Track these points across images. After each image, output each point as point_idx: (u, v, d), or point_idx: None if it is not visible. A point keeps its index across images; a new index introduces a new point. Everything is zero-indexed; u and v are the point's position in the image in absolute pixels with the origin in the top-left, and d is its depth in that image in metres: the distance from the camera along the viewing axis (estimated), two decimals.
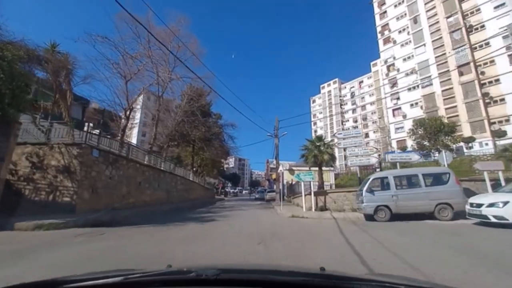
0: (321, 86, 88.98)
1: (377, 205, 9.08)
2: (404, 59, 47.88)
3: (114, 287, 1.15)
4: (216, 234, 7.32)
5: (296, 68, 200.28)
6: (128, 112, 17.15)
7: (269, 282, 1.16)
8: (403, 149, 40.71)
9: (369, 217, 9.44)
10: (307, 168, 36.45)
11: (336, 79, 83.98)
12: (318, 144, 23.73)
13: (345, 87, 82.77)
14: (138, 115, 44.71)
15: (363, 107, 76.12)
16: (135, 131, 68.26)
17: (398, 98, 46.85)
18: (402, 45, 48.93)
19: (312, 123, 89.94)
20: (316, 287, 1.14)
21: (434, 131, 21.87)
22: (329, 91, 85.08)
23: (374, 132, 71.76)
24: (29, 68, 10.93)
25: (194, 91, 24.74)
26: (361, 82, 78.05)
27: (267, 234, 7.10)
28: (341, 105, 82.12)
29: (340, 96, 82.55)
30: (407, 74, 46.35)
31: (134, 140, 66.29)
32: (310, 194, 13.86)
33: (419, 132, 22.67)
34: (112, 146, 13.02)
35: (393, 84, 48.03)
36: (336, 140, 22.29)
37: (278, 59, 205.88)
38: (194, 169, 31.42)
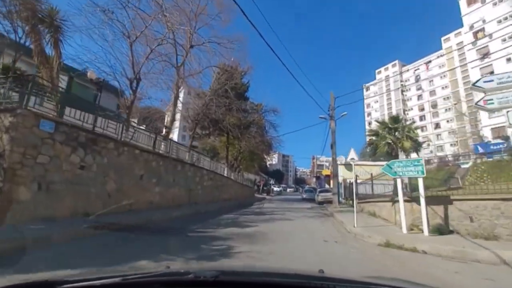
0: (377, 71, 77.69)
1: None
2: (499, 21, 36.44)
3: (112, 287, 1.13)
4: None
5: (347, 52, 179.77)
6: (134, 84, 12.98)
7: (267, 284, 1.17)
8: (505, 138, 30.21)
9: None
10: (368, 163, 29.07)
11: (396, 61, 72.10)
12: (393, 126, 16.94)
13: (407, 70, 70.41)
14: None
15: (432, 92, 63.40)
16: (176, 126, 68.05)
17: (492, 73, 35.71)
18: (494, 4, 37.44)
19: (366, 113, 79.33)
20: None
21: None
22: (387, 76, 73.47)
23: (448, 121, 58.97)
24: None
25: (226, 68, 20.00)
26: (429, 62, 65.15)
27: None
28: (402, 91, 70.10)
29: (401, 81, 70.51)
30: (504, 40, 35.07)
31: (175, 137, 65.71)
32: (410, 200, 7.72)
33: None
34: (85, 119, 8.66)
35: (484, 55, 36.93)
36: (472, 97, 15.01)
37: (326, 42, 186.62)
38: (231, 162, 26.88)
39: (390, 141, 16.11)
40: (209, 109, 20.74)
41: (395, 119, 17.03)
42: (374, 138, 17.84)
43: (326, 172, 34.09)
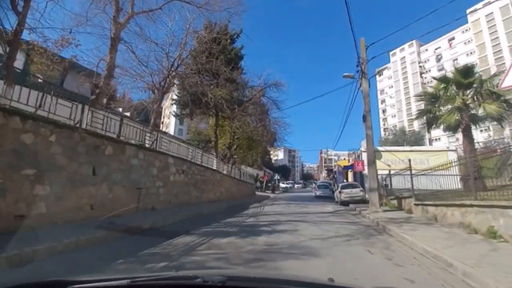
0: (391, 52, 70.23)
1: None
2: None
3: None
4: None
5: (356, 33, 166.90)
6: (21, 1, 7.15)
7: None
8: None
9: None
10: (403, 148, 23.09)
11: (413, 41, 64.63)
12: (465, 82, 10.78)
13: (426, 50, 63.17)
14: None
15: None
16: (171, 121, 62.32)
17: None
18: None
19: (379, 101, 72.35)
20: None
21: None
22: (403, 58, 66.19)
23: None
24: None
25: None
26: (452, 39, 57.87)
27: None
28: (421, 74, 62.93)
29: (419, 62, 63.31)
30: None
31: (171, 130, 60.11)
32: None
33: None
34: None
35: None
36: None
37: (332, 23, 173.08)
38: (223, 152, 20.98)
39: (464, 104, 9.90)
40: (184, 77, 14.96)
41: (466, 72, 10.77)
42: (429, 102, 11.65)
43: (343, 163, 27.90)
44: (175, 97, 21.80)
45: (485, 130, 48.54)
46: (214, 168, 16.03)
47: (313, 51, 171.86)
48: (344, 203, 15.16)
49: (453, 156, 20.20)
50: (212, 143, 22.71)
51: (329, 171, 45.97)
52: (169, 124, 64.22)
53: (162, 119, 72.29)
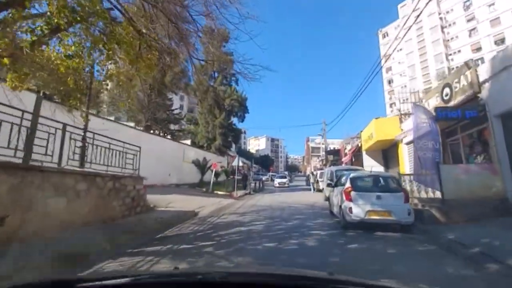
0: (400, 5, 54.91)
1: None
2: None
3: (123, 287, 1.16)
4: None
5: None
6: None
7: (276, 286, 1.15)
8: None
9: None
10: None
11: None
12: None
13: None
14: None
15: (495, 21, 41.48)
16: None
17: None
18: None
19: (384, 69, 57.14)
20: None
21: None
22: (416, 10, 51.09)
23: None
24: None
25: None
26: None
27: None
28: (442, 28, 48.04)
29: (439, 14, 48.38)
30: None
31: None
32: None
33: None
34: None
35: None
36: None
37: None
38: None
39: None
40: None
41: None
42: None
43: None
44: None
45: None
46: None
47: None
48: None
49: None
50: None
51: (331, 153, 29.63)
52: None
53: None
